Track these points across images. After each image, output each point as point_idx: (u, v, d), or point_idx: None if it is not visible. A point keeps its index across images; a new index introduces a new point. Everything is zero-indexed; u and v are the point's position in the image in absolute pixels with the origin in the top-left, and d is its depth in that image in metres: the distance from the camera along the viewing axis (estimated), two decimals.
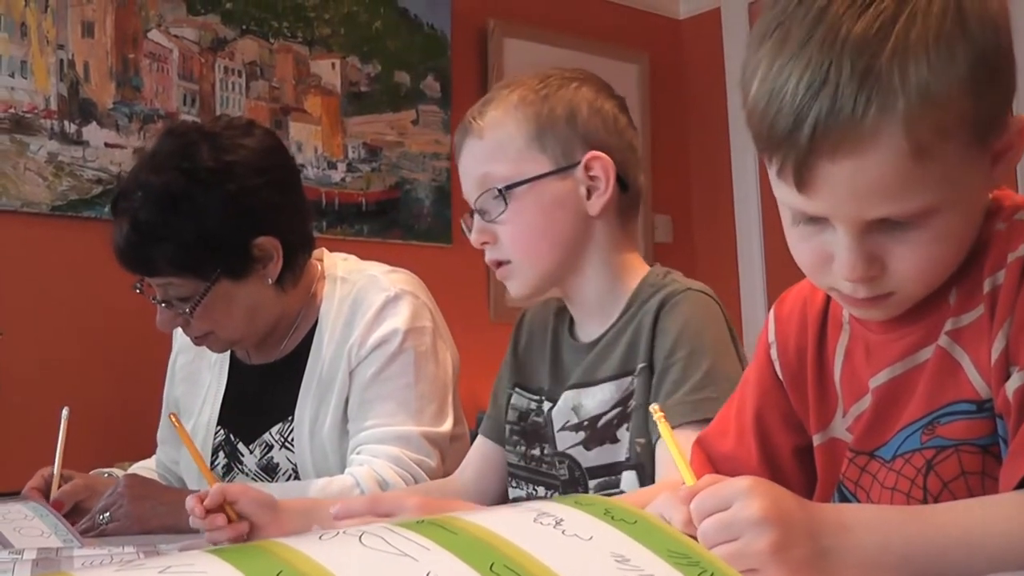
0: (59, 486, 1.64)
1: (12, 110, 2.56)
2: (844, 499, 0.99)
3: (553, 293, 1.45)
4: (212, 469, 1.79)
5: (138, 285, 1.71)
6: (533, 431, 1.44)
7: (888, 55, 0.79)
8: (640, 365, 1.31)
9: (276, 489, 1.63)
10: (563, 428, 1.38)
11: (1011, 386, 0.84)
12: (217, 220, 1.63)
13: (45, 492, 1.64)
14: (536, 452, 1.43)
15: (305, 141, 3.08)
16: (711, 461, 1.08)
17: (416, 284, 1.78)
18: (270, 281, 1.70)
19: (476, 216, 1.38)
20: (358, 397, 1.69)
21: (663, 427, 0.88)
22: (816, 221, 0.88)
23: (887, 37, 0.80)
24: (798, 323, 1.06)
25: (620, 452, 1.32)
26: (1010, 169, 0.89)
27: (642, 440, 1.29)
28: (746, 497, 0.72)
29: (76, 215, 2.63)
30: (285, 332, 1.79)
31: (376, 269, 1.80)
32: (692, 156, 4.05)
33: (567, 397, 1.39)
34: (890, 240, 0.86)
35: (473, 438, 1.61)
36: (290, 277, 1.73)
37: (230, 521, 1.28)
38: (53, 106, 2.62)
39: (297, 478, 1.72)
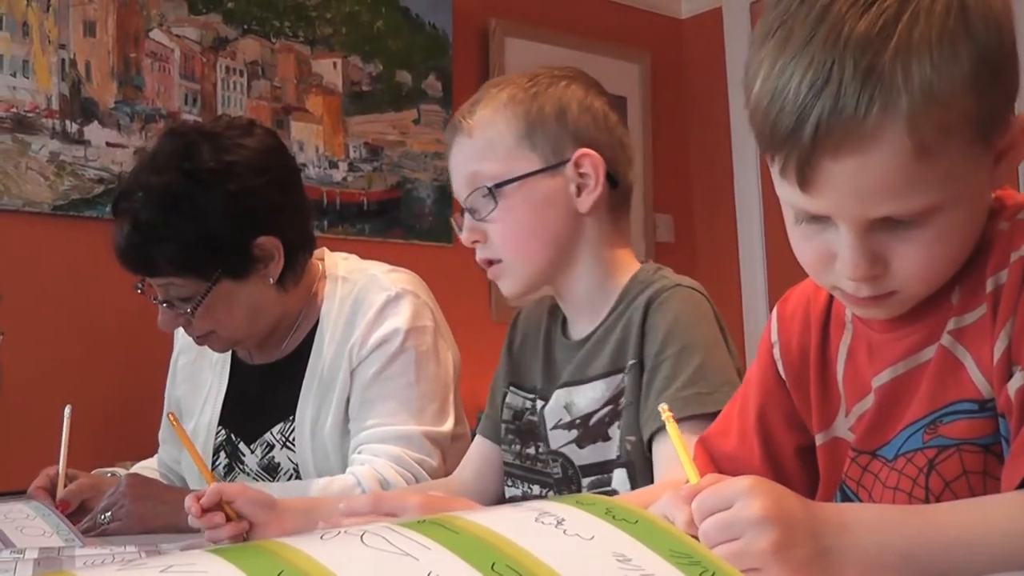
0: (64, 485, 1.64)
1: (14, 109, 2.56)
2: (846, 498, 0.99)
3: (545, 291, 1.45)
4: (214, 469, 1.79)
5: (139, 285, 1.71)
6: (528, 430, 1.44)
7: (891, 54, 0.79)
8: (630, 362, 1.31)
9: (277, 489, 1.63)
10: (556, 426, 1.38)
11: (1013, 385, 0.84)
12: (218, 220, 1.63)
13: (50, 491, 1.64)
14: (531, 451, 1.43)
15: (306, 140, 3.08)
16: (713, 460, 1.09)
17: (417, 283, 1.78)
18: (271, 281, 1.70)
19: (466, 215, 1.38)
20: (359, 396, 1.69)
21: (671, 427, 0.88)
22: (819, 220, 0.88)
23: (890, 36, 0.80)
24: (801, 322, 1.06)
25: (612, 450, 1.32)
26: (1013, 168, 0.89)
27: (632, 438, 1.29)
28: (747, 496, 0.72)
29: (78, 215, 2.63)
30: (286, 332, 1.79)
31: (377, 268, 1.80)
32: (693, 155, 4.05)
33: (559, 395, 1.38)
34: (893, 239, 0.85)
35: (474, 437, 1.61)
36: (291, 277, 1.73)
37: (229, 520, 1.28)
38: (55, 105, 2.62)
39: (298, 478, 1.72)
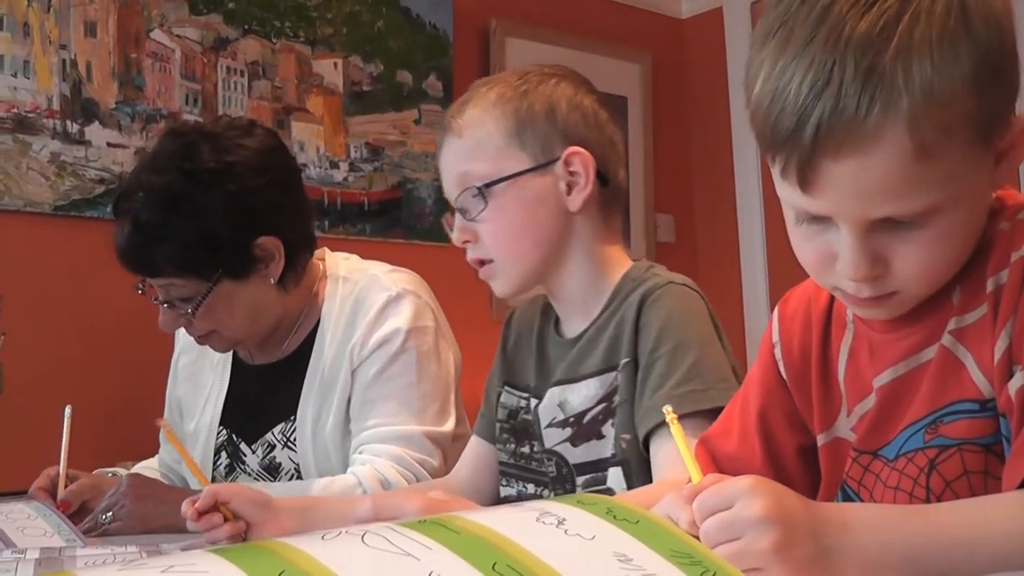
0: (65, 486, 1.64)
1: (15, 110, 2.56)
2: (847, 498, 0.99)
3: (538, 290, 1.45)
4: (215, 469, 1.80)
5: (140, 286, 1.71)
6: (523, 428, 1.44)
7: (892, 54, 0.79)
8: (624, 360, 1.30)
9: (279, 488, 1.63)
10: (550, 425, 1.38)
11: (1014, 385, 0.84)
12: (218, 220, 1.63)
13: (51, 492, 1.64)
14: (525, 449, 1.43)
15: (307, 141, 3.08)
16: (715, 460, 1.08)
17: (418, 283, 1.78)
18: (272, 281, 1.70)
19: (457, 215, 1.38)
20: (360, 396, 1.69)
21: (675, 428, 0.87)
22: (820, 221, 0.88)
23: (891, 36, 0.80)
24: (802, 323, 1.06)
25: (606, 448, 1.32)
26: (1014, 168, 0.89)
27: (627, 436, 1.29)
28: (748, 496, 0.72)
29: (79, 215, 2.63)
30: (287, 332, 1.79)
31: (378, 268, 1.80)
32: (694, 155, 4.05)
33: (552, 394, 1.38)
34: (894, 239, 0.85)
35: None
36: (292, 277, 1.73)
37: (226, 521, 1.28)
38: (56, 106, 2.62)
39: (300, 478, 1.72)
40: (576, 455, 1.35)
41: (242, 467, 1.77)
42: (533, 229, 1.35)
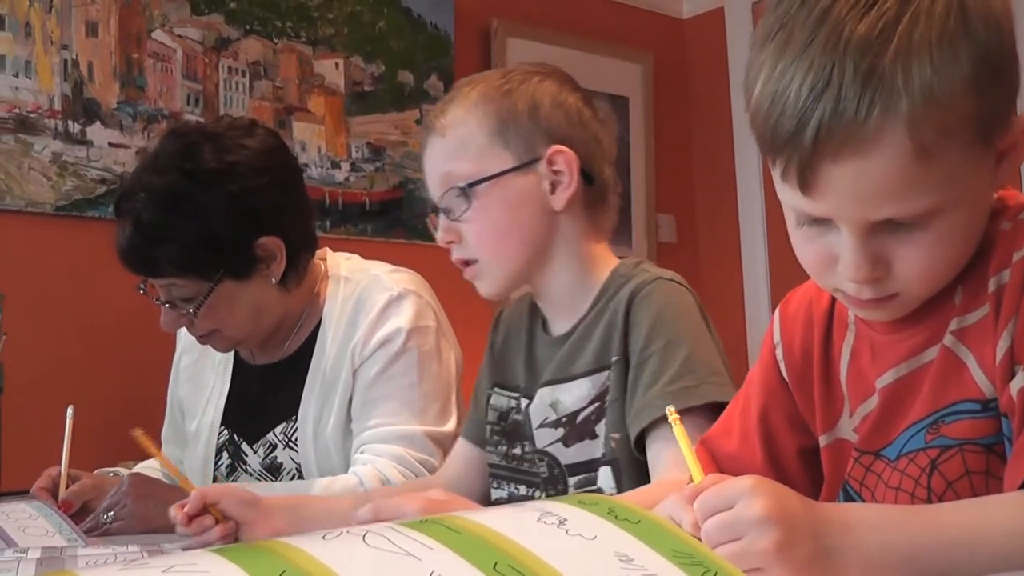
0: (67, 486, 1.64)
1: (16, 110, 2.56)
2: (849, 499, 0.99)
3: (525, 289, 1.44)
4: (216, 469, 1.80)
5: (142, 286, 1.71)
6: (513, 430, 1.43)
7: (891, 56, 0.79)
8: (614, 359, 1.30)
9: (280, 488, 1.63)
10: (542, 425, 1.37)
11: (1015, 385, 0.84)
12: (220, 220, 1.63)
13: (53, 492, 1.64)
14: (517, 451, 1.42)
15: (309, 141, 3.08)
16: (715, 461, 1.08)
17: (419, 283, 1.78)
18: (273, 281, 1.70)
19: (442, 215, 1.37)
20: (362, 396, 1.69)
21: (677, 429, 0.87)
22: (820, 223, 0.87)
23: (890, 38, 0.80)
24: (804, 323, 1.06)
25: (598, 448, 1.31)
26: (1015, 168, 0.89)
27: (617, 435, 1.28)
28: (749, 496, 0.72)
29: (80, 215, 2.63)
30: (289, 332, 1.79)
31: (379, 268, 1.80)
32: (696, 155, 4.05)
33: (543, 394, 1.37)
34: (895, 241, 0.85)
35: None
36: (293, 277, 1.73)
37: (217, 522, 1.28)
38: (57, 106, 2.62)
39: (301, 478, 1.72)
40: (568, 455, 1.34)
41: (243, 467, 1.77)
42: (517, 229, 1.35)
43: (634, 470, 1.27)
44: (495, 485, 1.47)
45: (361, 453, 1.64)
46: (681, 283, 1.34)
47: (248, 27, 2.99)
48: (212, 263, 1.64)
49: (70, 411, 1.62)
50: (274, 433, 1.75)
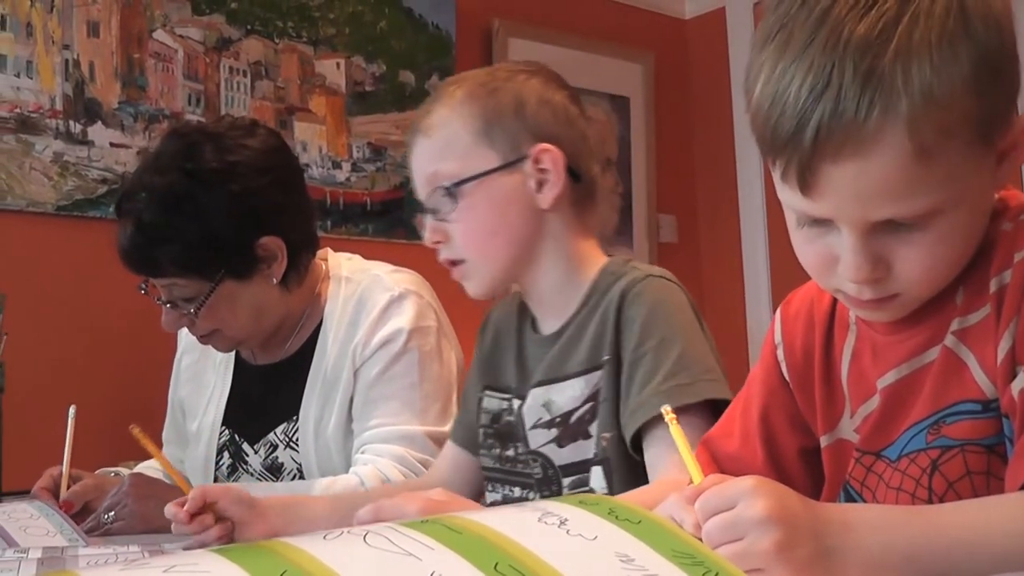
0: (68, 486, 1.64)
1: (17, 110, 2.56)
2: (850, 499, 0.99)
3: (513, 288, 1.43)
4: (217, 469, 1.80)
5: (143, 286, 1.71)
6: (506, 431, 1.41)
7: (891, 56, 0.79)
8: (605, 358, 1.29)
9: (281, 489, 1.63)
10: (535, 426, 1.36)
11: (1017, 386, 0.84)
12: (221, 220, 1.63)
13: (54, 492, 1.64)
14: (510, 453, 1.40)
15: (310, 141, 3.08)
16: (716, 461, 1.08)
17: (420, 284, 1.78)
18: (274, 281, 1.70)
19: (429, 215, 1.36)
20: (362, 397, 1.69)
21: (674, 429, 0.87)
22: (821, 223, 0.87)
23: (890, 38, 0.80)
24: (805, 324, 1.06)
25: (591, 448, 1.30)
26: (1016, 168, 0.89)
27: (608, 435, 1.27)
28: (750, 496, 0.72)
29: (81, 215, 2.63)
30: (290, 332, 1.79)
31: (380, 269, 1.80)
32: (697, 156, 4.05)
33: (536, 394, 1.36)
34: (895, 241, 0.85)
35: None
36: (294, 277, 1.73)
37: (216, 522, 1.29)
38: (58, 106, 2.62)
39: (302, 478, 1.72)
40: (562, 456, 1.33)
41: (244, 467, 1.77)
42: (504, 228, 1.34)
43: (625, 470, 1.26)
44: (489, 488, 1.45)
45: (362, 453, 1.65)
46: (672, 280, 1.33)
47: (249, 27, 2.99)
48: (213, 263, 1.65)
49: (72, 411, 1.61)
50: (275, 433, 1.75)
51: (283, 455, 1.74)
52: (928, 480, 0.91)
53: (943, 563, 0.73)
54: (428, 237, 1.37)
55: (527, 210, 1.34)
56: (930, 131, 0.80)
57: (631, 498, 1.05)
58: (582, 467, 1.32)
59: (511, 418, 1.40)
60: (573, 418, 1.33)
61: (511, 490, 1.42)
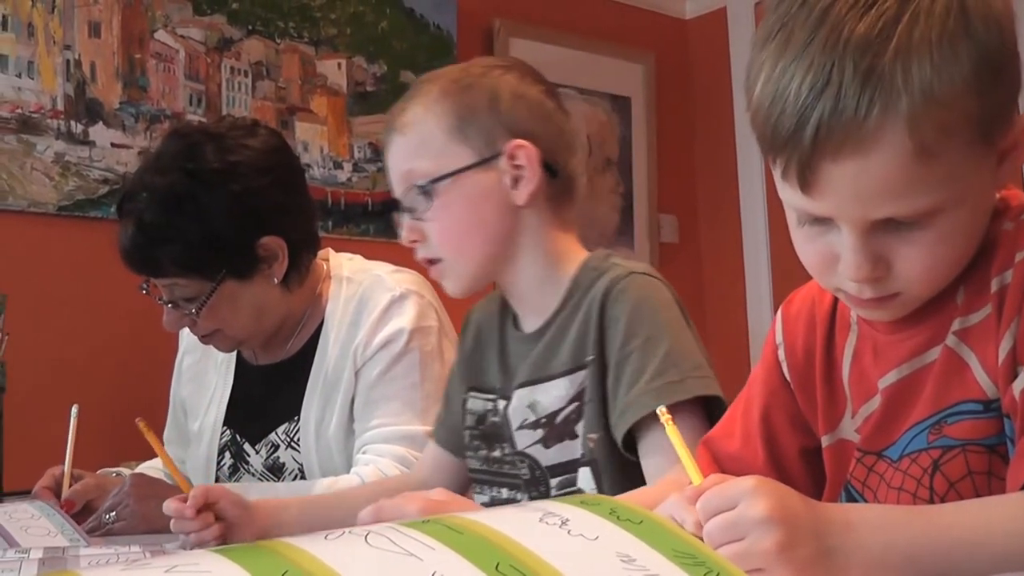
0: (70, 485, 1.64)
1: (19, 110, 2.56)
2: (851, 499, 0.99)
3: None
4: (219, 469, 1.80)
5: (144, 286, 1.71)
6: (492, 432, 1.40)
7: (891, 55, 0.79)
8: (589, 357, 1.28)
9: (282, 489, 1.63)
10: (521, 426, 1.34)
11: (1018, 386, 0.84)
12: (222, 220, 1.63)
13: (55, 491, 1.64)
14: (496, 453, 1.39)
15: (311, 141, 3.08)
16: (717, 461, 1.08)
17: (422, 284, 1.78)
18: (276, 281, 1.70)
19: (405, 214, 1.35)
20: (364, 397, 1.69)
21: (670, 429, 0.86)
22: (821, 222, 0.87)
23: (890, 37, 0.80)
24: (806, 324, 1.06)
25: (577, 449, 1.29)
26: (1017, 168, 0.89)
27: (594, 435, 1.26)
28: (751, 496, 0.72)
29: (83, 215, 2.63)
30: (291, 332, 1.79)
31: (381, 269, 1.80)
32: (698, 156, 4.05)
33: (521, 394, 1.35)
34: (896, 240, 0.85)
35: None
36: (296, 277, 1.73)
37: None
38: (60, 106, 2.62)
39: (303, 478, 1.72)
40: (549, 457, 1.32)
41: (246, 467, 1.77)
42: (480, 225, 1.33)
43: (614, 470, 1.25)
44: (477, 490, 1.44)
45: (363, 453, 1.65)
46: (655, 276, 1.31)
47: (250, 27, 2.99)
48: (214, 263, 1.65)
49: (74, 410, 1.62)
50: (276, 433, 1.75)
51: (284, 455, 1.74)
52: (929, 480, 0.91)
53: (944, 563, 0.73)
54: (405, 236, 1.36)
55: (503, 207, 1.33)
56: (930, 130, 0.80)
57: (632, 498, 1.05)
58: (569, 467, 1.30)
59: (496, 419, 1.39)
60: (559, 418, 1.31)
61: (499, 491, 1.40)
